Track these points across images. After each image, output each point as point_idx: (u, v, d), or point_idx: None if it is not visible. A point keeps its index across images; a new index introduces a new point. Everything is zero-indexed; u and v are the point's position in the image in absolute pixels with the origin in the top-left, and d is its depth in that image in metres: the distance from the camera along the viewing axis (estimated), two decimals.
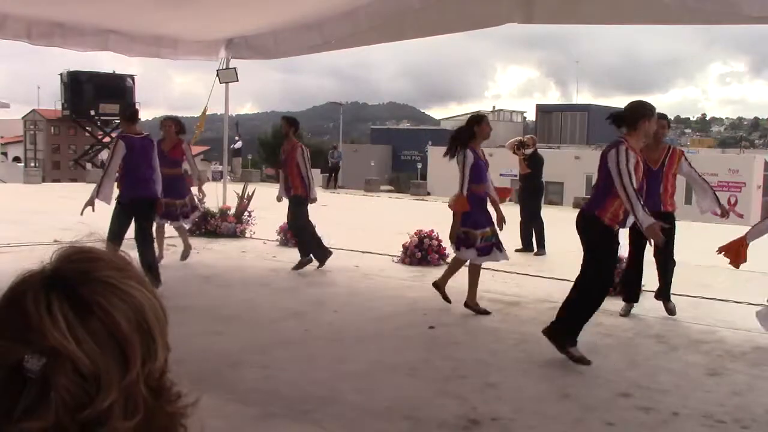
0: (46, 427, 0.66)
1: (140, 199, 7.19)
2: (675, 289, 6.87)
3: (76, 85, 28.04)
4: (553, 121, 54.93)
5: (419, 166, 34.62)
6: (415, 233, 9.34)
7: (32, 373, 0.66)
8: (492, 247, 6.60)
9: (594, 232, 5.18)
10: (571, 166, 34.35)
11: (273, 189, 25.03)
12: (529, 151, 10.55)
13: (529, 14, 7.25)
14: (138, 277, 0.76)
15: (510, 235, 10.83)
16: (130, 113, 7.57)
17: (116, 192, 7.26)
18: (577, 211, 6.43)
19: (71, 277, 0.71)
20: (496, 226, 6.62)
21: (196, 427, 0.77)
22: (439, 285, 6.80)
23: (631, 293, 6.76)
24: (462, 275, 6.84)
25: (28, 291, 0.70)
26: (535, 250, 10.38)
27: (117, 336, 0.70)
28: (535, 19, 7.31)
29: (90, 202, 6.98)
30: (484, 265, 9.25)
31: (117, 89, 28.99)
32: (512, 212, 12.24)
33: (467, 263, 6.78)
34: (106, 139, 27.67)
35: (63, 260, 0.73)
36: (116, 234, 7.22)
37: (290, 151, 8.52)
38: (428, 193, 26.73)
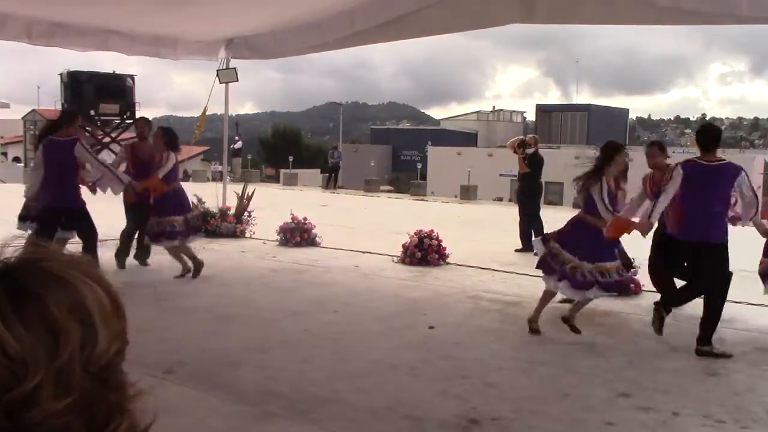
0: None
1: None
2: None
3: (76, 85, 27.95)
4: (553, 121, 54.90)
5: (419, 166, 34.56)
6: (415, 233, 9.34)
7: None
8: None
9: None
10: (571, 167, 34.25)
11: (273, 189, 24.91)
12: (530, 150, 10.55)
13: (529, 14, 7.24)
14: (85, 270, 0.79)
15: (510, 235, 10.88)
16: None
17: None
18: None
19: (11, 266, 0.76)
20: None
21: (150, 415, 0.81)
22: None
23: None
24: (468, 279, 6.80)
25: None
26: (535, 250, 10.37)
27: (49, 321, 0.73)
28: (536, 19, 7.31)
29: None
30: (483, 265, 9.30)
31: (117, 89, 28.90)
32: (512, 212, 12.28)
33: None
34: (106, 139, 27.60)
35: (10, 255, 0.78)
36: None
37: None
38: (432, 193, 26.72)
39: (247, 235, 10.92)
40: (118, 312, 0.79)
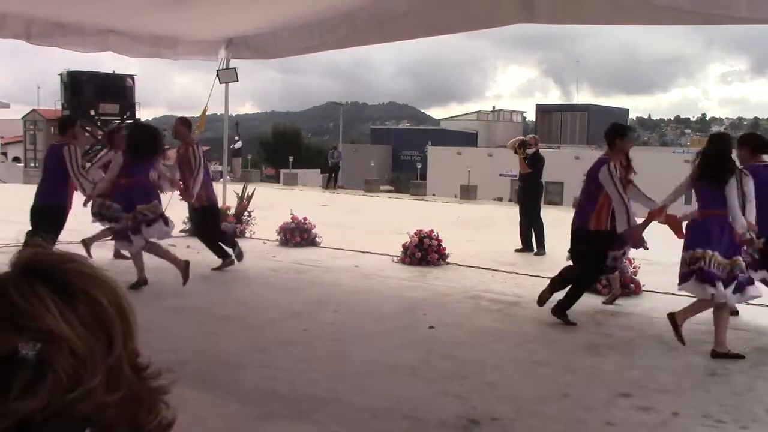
0: (40, 407, 0.70)
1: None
2: (675, 289, 6.85)
3: (76, 85, 27.96)
4: (553, 121, 54.88)
5: (419, 166, 34.58)
6: (415, 233, 9.34)
7: (28, 358, 0.70)
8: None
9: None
10: (571, 166, 34.30)
11: (273, 189, 24.87)
12: (531, 150, 10.56)
13: (530, 14, 7.23)
14: (101, 268, 0.81)
15: (510, 235, 10.88)
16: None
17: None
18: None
19: (48, 267, 0.76)
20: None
21: (172, 410, 0.83)
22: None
23: None
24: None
25: (9, 284, 0.74)
26: (535, 250, 10.39)
27: (101, 318, 0.74)
28: (536, 19, 7.30)
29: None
30: (483, 265, 9.30)
31: (117, 89, 28.91)
32: (512, 212, 12.28)
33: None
34: None
35: (31, 256, 0.78)
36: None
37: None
38: (433, 195, 26.73)
39: (247, 235, 10.92)
40: (134, 310, 0.81)
